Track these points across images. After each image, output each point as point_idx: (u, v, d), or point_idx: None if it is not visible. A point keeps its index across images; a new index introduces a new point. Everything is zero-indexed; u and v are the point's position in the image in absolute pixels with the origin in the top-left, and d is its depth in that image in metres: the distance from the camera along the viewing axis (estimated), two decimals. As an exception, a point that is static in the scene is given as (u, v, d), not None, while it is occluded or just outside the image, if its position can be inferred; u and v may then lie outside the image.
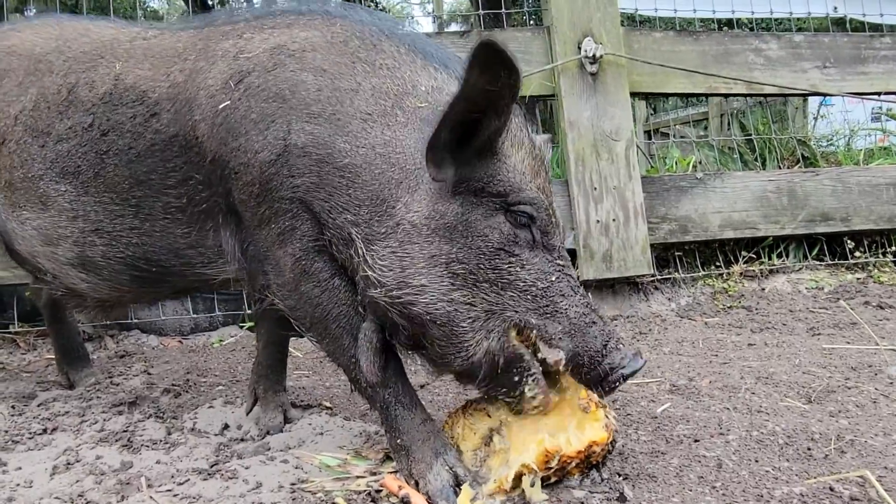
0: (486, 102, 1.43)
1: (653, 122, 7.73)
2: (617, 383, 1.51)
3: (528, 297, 1.52)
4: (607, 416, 1.55)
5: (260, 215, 1.72)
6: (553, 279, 1.54)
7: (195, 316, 3.30)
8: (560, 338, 1.51)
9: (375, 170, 1.61)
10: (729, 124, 5.81)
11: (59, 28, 2.25)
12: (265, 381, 2.22)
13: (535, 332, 1.51)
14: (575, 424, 1.54)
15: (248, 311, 3.33)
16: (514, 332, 1.52)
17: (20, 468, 1.99)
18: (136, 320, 3.25)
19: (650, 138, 7.43)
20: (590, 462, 1.55)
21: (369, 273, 1.56)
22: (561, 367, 1.51)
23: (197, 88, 1.81)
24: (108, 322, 3.21)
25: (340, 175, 1.64)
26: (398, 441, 1.67)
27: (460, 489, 1.53)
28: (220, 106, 1.74)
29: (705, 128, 6.69)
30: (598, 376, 1.51)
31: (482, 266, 1.51)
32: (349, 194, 1.62)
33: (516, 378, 1.53)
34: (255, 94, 1.72)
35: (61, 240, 2.08)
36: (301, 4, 1.95)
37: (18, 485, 1.87)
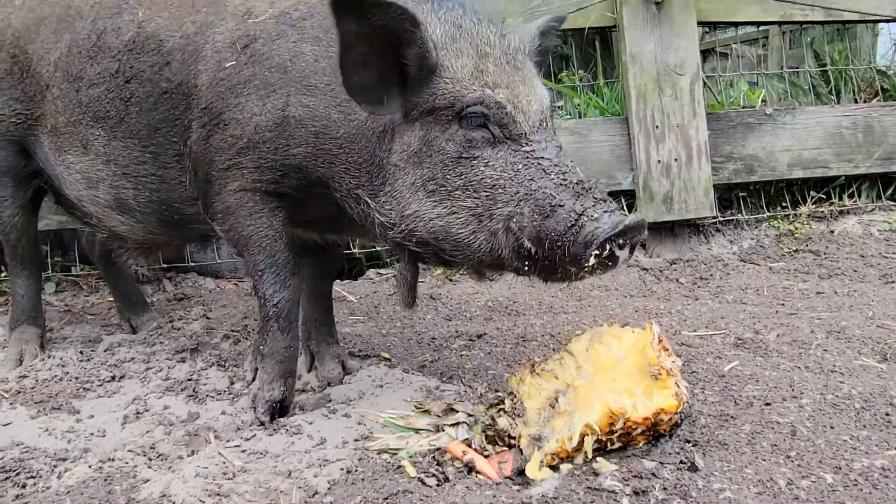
0: (382, 41, 1.58)
1: (709, 41, 7.26)
2: (592, 257, 1.51)
3: (501, 190, 1.60)
4: (678, 385, 1.50)
5: (232, 162, 1.87)
6: (520, 167, 1.60)
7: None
8: (530, 219, 1.56)
9: (367, 132, 1.74)
10: (791, 44, 5.44)
11: None
12: (317, 335, 2.26)
13: (514, 220, 1.58)
14: (643, 391, 1.50)
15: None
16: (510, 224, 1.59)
17: (92, 416, 2.06)
18: (192, 263, 3.29)
19: (705, 59, 7.02)
20: (657, 431, 1.51)
21: (382, 220, 1.73)
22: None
23: (204, 42, 1.91)
24: (166, 265, 3.26)
25: (337, 145, 1.78)
26: (261, 348, 1.93)
27: (283, 408, 1.88)
28: (227, 64, 1.86)
29: (764, 46, 6.30)
30: (574, 256, 1.52)
31: (449, 176, 1.64)
32: (348, 160, 1.77)
33: (526, 265, 1.60)
34: (260, 61, 1.83)
35: (100, 182, 2.18)
36: None
37: (92, 434, 1.94)
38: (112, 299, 2.94)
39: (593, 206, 1.54)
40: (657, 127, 3.33)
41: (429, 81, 1.64)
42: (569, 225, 1.52)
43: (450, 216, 1.64)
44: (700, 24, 3.46)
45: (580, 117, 3.63)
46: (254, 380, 1.96)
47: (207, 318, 2.84)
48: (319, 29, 1.80)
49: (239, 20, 1.89)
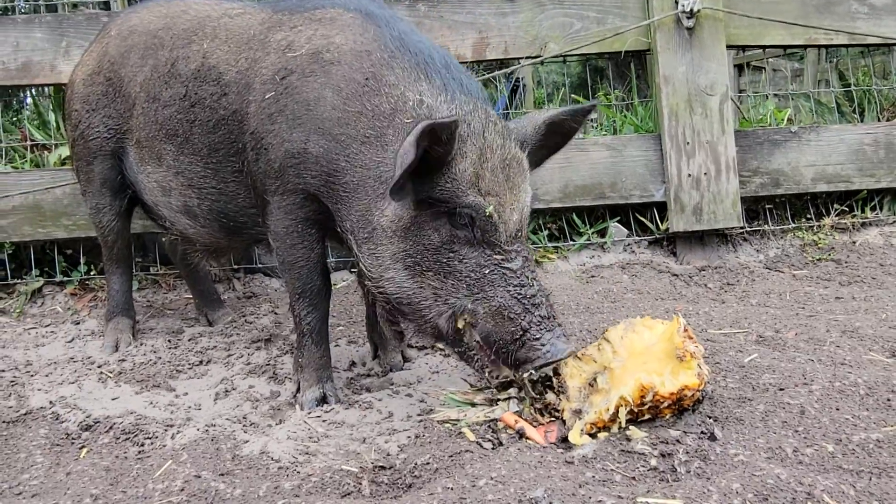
0: (431, 153, 1.75)
1: (743, 56, 7.43)
2: (525, 371, 1.79)
3: (464, 285, 1.82)
4: (700, 367, 1.75)
5: (274, 186, 2.11)
6: (486, 272, 1.81)
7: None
8: (483, 321, 1.80)
9: (367, 187, 1.94)
10: (827, 56, 5.63)
11: (167, 7, 2.59)
12: (380, 328, 2.52)
13: (466, 315, 1.82)
14: (670, 371, 1.75)
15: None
16: (459, 313, 1.83)
17: (187, 393, 2.37)
18: (260, 265, 3.61)
19: (740, 74, 7.18)
20: (681, 405, 1.76)
21: (363, 269, 1.97)
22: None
23: (254, 76, 2.16)
24: (236, 266, 3.58)
25: (343, 189, 1.99)
26: (300, 360, 2.22)
27: (325, 402, 2.15)
28: (267, 95, 2.10)
29: (801, 59, 6.46)
30: (513, 361, 1.79)
31: (427, 259, 1.85)
32: (348, 206, 1.99)
33: (469, 352, 1.86)
34: (292, 94, 2.05)
35: (172, 191, 2.48)
36: None
37: (190, 407, 2.25)
38: (190, 296, 3.27)
39: (538, 324, 1.77)
40: (688, 143, 3.58)
41: (434, 176, 1.81)
42: (514, 338, 1.77)
43: (417, 289, 1.87)
44: (729, 47, 3.69)
45: (615, 133, 3.88)
46: (298, 390, 2.22)
47: (275, 313, 3.15)
48: (342, 79, 1.99)
49: (280, 54, 2.12)
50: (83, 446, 1.95)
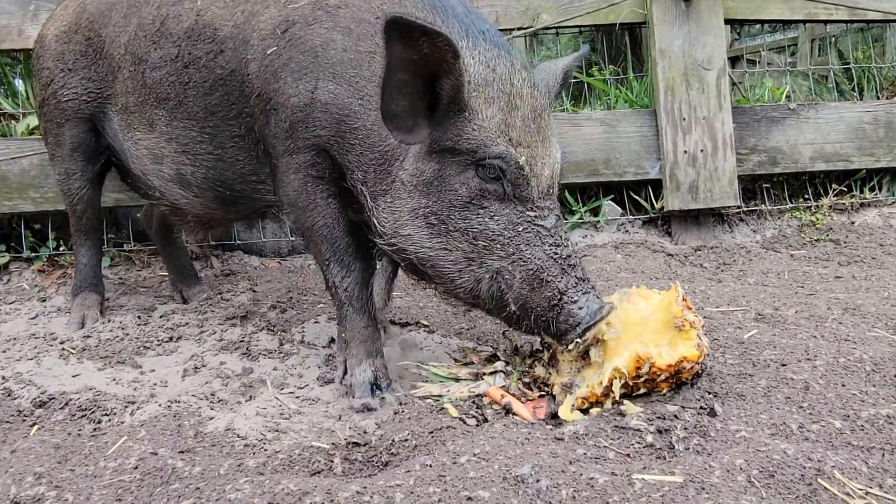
0: (422, 69, 1.59)
1: (737, 48, 7.34)
2: (567, 337, 1.65)
3: (498, 245, 1.68)
4: (700, 338, 1.63)
5: (286, 147, 1.94)
6: (521, 229, 1.67)
7: (293, 239, 3.50)
8: (520, 285, 1.66)
9: (382, 131, 1.76)
10: (821, 50, 5.52)
11: None
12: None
13: (502, 275, 1.67)
14: (668, 341, 1.63)
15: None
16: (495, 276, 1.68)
17: (154, 370, 2.23)
18: (238, 241, 3.47)
19: (734, 66, 7.08)
20: (679, 378, 1.64)
21: (374, 223, 1.81)
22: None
23: (252, 30, 1.99)
24: (214, 243, 3.44)
25: (355, 135, 1.83)
26: (343, 334, 1.97)
27: (378, 387, 1.86)
28: (269, 51, 1.94)
29: (793, 54, 6.37)
30: (547, 329, 1.67)
31: (453, 217, 1.70)
32: (360, 154, 1.83)
33: (514, 316, 1.70)
34: (296, 45, 1.90)
35: (164, 158, 2.31)
36: None
37: (156, 384, 2.11)
38: (164, 273, 3.12)
39: (575, 286, 1.65)
40: (684, 119, 3.45)
41: (456, 120, 1.67)
42: (552, 304, 1.64)
43: (442, 251, 1.72)
44: (727, 21, 3.57)
45: (609, 109, 3.76)
46: (345, 372, 1.95)
47: (254, 291, 3.01)
48: (352, 20, 1.86)
49: (280, 6, 1.97)
50: (35, 423, 1.81)
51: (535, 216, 1.69)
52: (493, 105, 1.68)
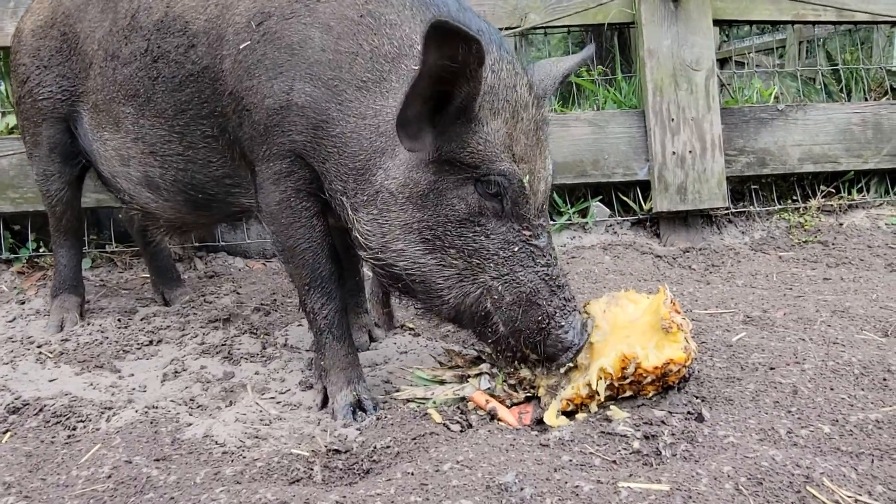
0: (451, 76, 1.47)
1: (726, 50, 7.35)
2: (558, 361, 1.63)
3: (492, 263, 1.61)
4: (687, 341, 1.60)
5: (262, 153, 1.83)
6: (515, 249, 1.61)
7: (277, 240, 3.45)
8: (509, 307, 1.61)
9: (363, 140, 1.68)
10: (808, 52, 5.53)
11: None
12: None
13: (491, 293, 1.62)
14: (655, 343, 1.60)
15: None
16: (486, 295, 1.63)
17: (133, 374, 2.19)
18: (223, 243, 3.42)
19: (722, 67, 7.09)
20: (666, 382, 1.61)
21: (358, 236, 1.70)
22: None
23: (226, 25, 1.88)
24: (197, 244, 3.39)
25: (333, 143, 1.72)
26: (321, 362, 1.87)
27: (362, 409, 1.78)
28: (242, 46, 1.82)
29: (781, 55, 6.39)
30: (534, 350, 1.63)
31: (449, 233, 1.62)
32: (339, 162, 1.71)
33: (489, 333, 1.66)
34: (271, 40, 1.78)
35: (131, 160, 2.22)
36: None
37: (134, 389, 2.07)
38: (146, 275, 3.07)
39: (562, 308, 1.61)
40: (672, 120, 3.44)
41: (462, 130, 1.57)
42: (540, 327, 1.60)
43: (437, 267, 1.64)
44: (715, 22, 3.55)
45: (597, 110, 3.74)
46: (325, 400, 1.87)
47: (238, 293, 2.97)
48: (332, 16, 1.73)
49: None
50: (7, 430, 1.76)
51: (530, 235, 1.63)
52: (499, 117, 1.59)
